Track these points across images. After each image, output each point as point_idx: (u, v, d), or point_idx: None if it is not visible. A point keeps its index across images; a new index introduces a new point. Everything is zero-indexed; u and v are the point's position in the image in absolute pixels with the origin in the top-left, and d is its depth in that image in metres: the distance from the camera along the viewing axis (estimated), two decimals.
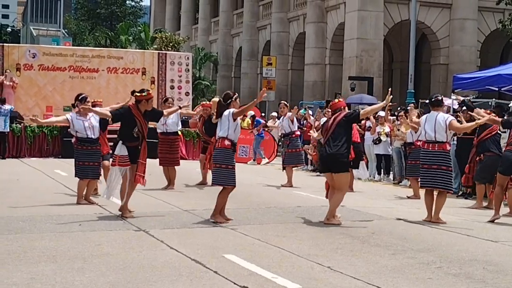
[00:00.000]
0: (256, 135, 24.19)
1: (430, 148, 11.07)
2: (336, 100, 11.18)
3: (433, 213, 11.04)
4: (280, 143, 19.45)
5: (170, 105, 15.25)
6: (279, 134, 17.61)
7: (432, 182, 11.10)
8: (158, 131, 15.84)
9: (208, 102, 17.67)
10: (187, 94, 27.23)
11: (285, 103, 17.65)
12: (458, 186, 15.47)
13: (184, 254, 8.01)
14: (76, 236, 9.14)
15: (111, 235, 9.22)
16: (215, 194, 10.84)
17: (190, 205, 12.28)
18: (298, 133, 17.24)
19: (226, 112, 10.58)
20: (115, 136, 11.16)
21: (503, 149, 11.94)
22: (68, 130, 12.82)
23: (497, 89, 17.67)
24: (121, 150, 10.81)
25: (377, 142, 19.16)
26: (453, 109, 17.25)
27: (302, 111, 24.75)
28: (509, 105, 17.20)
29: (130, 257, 7.82)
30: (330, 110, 11.23)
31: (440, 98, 11.41)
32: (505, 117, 12.21)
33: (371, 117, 19.69)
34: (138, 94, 11.00)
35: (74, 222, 10.17)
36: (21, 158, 23.04)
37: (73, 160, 12.61)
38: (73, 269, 7.20)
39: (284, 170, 16.81)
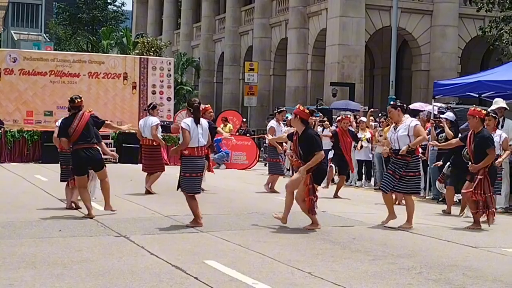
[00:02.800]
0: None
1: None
2: (302, 108, 10.83)
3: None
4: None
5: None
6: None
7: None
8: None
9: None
10: (168, 99, 27.19)
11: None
12: (437, 192, 15.54)
13: (164, 260, 7.99)
14: (56, 242, 9.09)
15: (91, 241, 9.18)
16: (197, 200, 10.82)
17: (171, 211, 12.25)
18: None
19: (208, 125, 10.86)
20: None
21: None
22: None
23: (477, 95, 17.73)
24: None
25: (360, 148, 19.18)
26: (434, 115, 17.32)
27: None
28: (489, 110, 17.31)
29: (110, 263, 7.79)
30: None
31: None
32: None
33: (353, 123, 19.79)
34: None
35: (54, 228, 10.12)
36: (1, 163, 22.89)
37: (58, 164, 12.66)
38: (53, 275, 7.15)
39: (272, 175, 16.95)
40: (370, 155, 19.13)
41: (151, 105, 16.19)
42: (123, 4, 78.58)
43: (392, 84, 27.77)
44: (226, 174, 21.63)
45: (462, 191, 11.53)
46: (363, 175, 19.63)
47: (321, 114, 23.75)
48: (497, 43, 27.70)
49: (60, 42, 70.03)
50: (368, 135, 19.01)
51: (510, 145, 12.67)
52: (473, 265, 8.23)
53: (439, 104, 17.75)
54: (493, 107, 14.22)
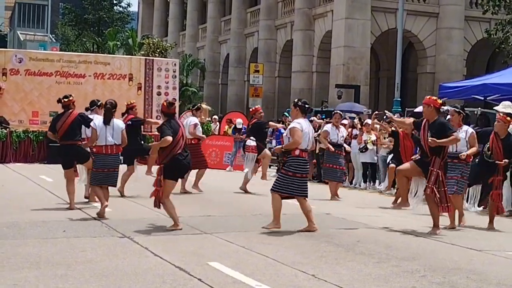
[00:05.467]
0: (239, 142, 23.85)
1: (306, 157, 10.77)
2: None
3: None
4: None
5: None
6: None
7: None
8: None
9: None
10: (173, 100, 27.14)
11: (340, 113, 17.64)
12: None
13: (168, 261, 7.99)
14: (60, 242, 9.11)
15: (95, 242, 9.19)
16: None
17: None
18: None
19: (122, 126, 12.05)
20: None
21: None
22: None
23: (483, 98, 17.75)
24: None
25: (364, 150, 19.17)
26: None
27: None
28: (476, 111, 17.42)
29: (114, 264, 7.80)
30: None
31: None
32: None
33: (358, 125, 19.78)
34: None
35: (58, 228, 10.14)
36: (6, 164, 22.93)
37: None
38: (57, 276, 7.17)
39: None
40: (375, 158, 19.09)
41: (196, 106, 17.31)
42: (129, 5, 78.53)
43: (397, 87, 27.73)
44: (230, 175, 21.62)
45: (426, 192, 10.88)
46: (368, 178, 19.58)
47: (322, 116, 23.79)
48: (503, 45, 27.67)
49: (69, 43, 70.03)
50: (373, 137, 18.98)
51: None
52: (477, 269, 8.22)
53: (445, 108, 17.70)
54: (499, 107, 14.16)
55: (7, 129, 23.87)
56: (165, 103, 10.81)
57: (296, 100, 11.12)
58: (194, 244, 9.25)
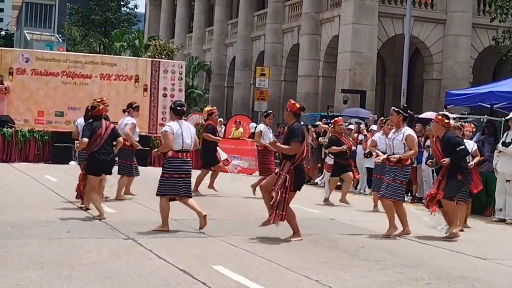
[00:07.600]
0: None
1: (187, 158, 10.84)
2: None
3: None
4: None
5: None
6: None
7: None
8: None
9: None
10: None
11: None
12: None
13: (172, 264, 7.98)
14: (64, 243, 9.10)
15: (100, 243, 9.18)
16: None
17: (179, 215, 12.21)
18: None
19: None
20: None
21: None
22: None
23: (489, 106, 17.70)
24: None
25: (368, 155, 19.07)
26: None
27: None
28: (482, 119, 17.37)
29: (118, 266, 7.79)
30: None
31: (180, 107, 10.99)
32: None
33: (364, 131, 19.75)
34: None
35: (62, 229, 10.14)
36: (11, 163, 22.94)
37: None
38: (61, 277, 7.16)
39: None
40: None
41: (265, 113, 17.27)
42: (136, 6, 78.68)
43: (403, 93, 27.69)
44: (234, 178, 21.58)
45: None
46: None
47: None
48: (510, 53, 27.62)
49: (75, 43, 70.09)
50: None
51: None
52: (482, 277, 8.19)
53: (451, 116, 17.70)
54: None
55: (13, 129, 23.88)
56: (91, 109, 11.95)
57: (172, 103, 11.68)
58: (198, 247, 9.24)
